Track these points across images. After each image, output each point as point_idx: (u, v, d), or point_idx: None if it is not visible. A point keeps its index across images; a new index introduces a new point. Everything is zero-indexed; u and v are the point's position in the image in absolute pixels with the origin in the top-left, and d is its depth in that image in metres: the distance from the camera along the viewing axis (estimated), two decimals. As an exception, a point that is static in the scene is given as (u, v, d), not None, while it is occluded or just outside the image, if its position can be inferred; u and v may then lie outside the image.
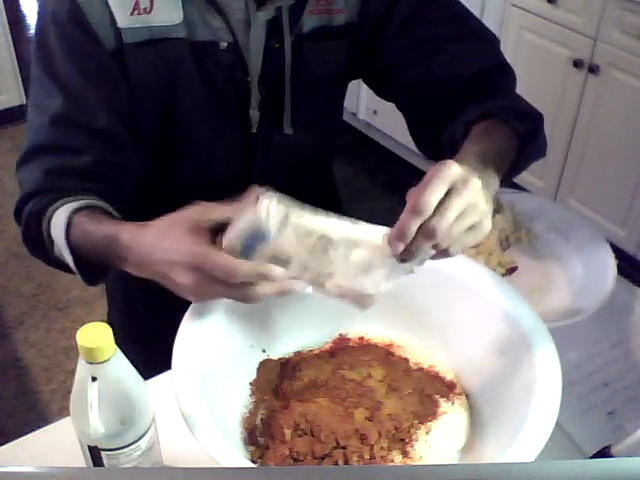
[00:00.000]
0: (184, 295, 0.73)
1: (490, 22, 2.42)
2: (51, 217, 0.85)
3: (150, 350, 0.77)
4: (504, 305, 0.83)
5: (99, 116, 0.88)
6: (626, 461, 0.45)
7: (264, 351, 0.90)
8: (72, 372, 0.67)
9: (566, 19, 2.24)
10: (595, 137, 2.27)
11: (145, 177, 0.98)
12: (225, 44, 0.89)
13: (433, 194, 0.66)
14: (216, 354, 0.80)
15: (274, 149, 0.99)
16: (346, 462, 0.75)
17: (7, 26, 3.04)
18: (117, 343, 0.65)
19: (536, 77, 2.39)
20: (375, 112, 2.85)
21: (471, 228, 0.69)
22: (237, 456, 0.67)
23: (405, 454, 0.77)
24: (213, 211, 0.72)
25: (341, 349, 0.91)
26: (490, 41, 0.98)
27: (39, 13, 0.89)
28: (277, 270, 0.68)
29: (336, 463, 0.75)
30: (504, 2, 2.40)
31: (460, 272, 0.87)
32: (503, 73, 0.97)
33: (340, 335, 0.94)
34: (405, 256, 0.69)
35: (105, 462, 0.69)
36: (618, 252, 1.10)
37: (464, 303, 0.87)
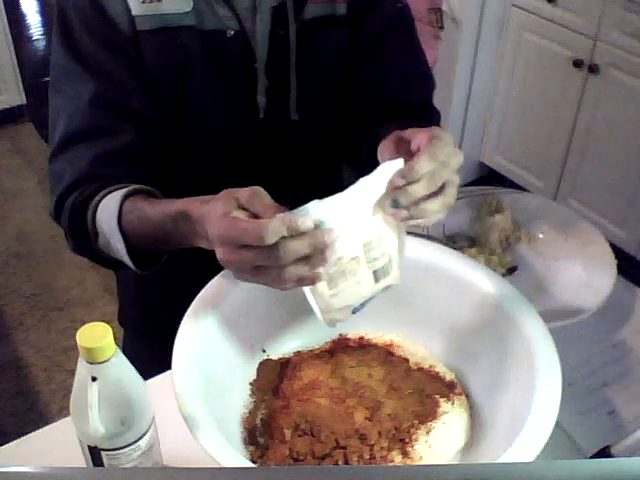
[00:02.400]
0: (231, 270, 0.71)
1: (490, 22, 2.43)
2: (97, 207, 0.84)
3: (164, 348, 0.77)
4: (504, 305, 0.83)
5: (133, 96, 0.90)
6: (626, 461, 0.45)
7: (264, 351, 0.90)
8: (72, 372, 0.67)
9: (566, 19, 2.24)
10: (595, 137, 2.28)
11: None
12: (232, 32, 0.91)
13: (437, 151, 0.72)
14: (216, 354, 0.80)
15: (281, 135, 1.00)
16: (346, 462, 0.75)
17: (7, 26, 3.04)
18: (129, 342, 0.66)
19: (536, 77, 2.40)
20: (375, 112, 2.85)
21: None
22: (237, 456, 0.67)
23: (405, 454, 0.77)
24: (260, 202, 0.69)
25: (341, 349, 0.91)
26: (429, 84, 1.07)
27: (58, 2, 0.90)
28: (304, 219, 0.65)
29: (336, 463, 0.75)
30: (504, 2, 2.40)
31: (460, 272, 0.87)
32: (431, 112, 1.07)
33: (340, 335, 0.94)
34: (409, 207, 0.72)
35: (105, 462, 0.69)
36: (618, 252, 1.10)
37: (464, 303, 0.87)
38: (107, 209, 0.82)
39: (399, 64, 1.02)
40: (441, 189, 0.72)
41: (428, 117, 1.03)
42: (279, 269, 0.67)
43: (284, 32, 0.93)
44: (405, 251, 0.80)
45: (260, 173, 1.01)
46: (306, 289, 0.74)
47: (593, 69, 2.19)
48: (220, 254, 0.69)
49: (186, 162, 1.00)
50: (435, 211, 0.73)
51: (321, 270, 0.69)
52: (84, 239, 0.86)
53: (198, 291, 0.83)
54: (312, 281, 0.70)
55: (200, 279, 0.84)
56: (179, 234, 0.77)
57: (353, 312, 0.78)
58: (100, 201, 0.84)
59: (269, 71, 0.95)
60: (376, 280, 0.78)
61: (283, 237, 0.65)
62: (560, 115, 2.35)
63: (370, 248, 0.75)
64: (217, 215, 0.68)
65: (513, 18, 2.40)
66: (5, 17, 3.02)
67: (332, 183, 1.17)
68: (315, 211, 0.67)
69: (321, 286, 0.74)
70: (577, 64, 2.23)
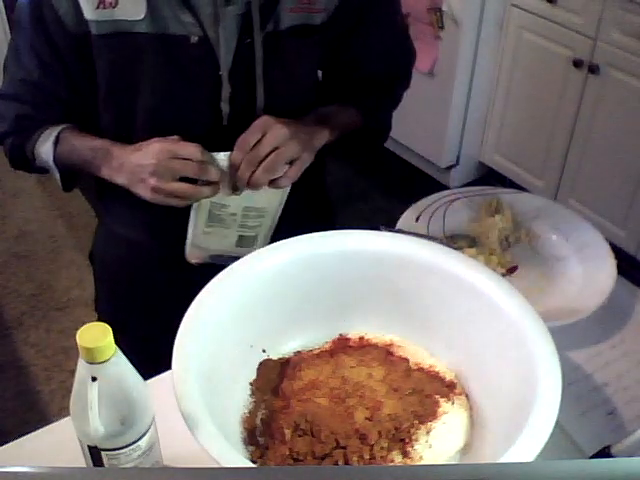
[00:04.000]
0: (144, 185, 0.89)
1: (490, 22, 2.42)
2: (38, 138, 1.00)
3: (139, 347, 0.81)
4: (504, 305, 0.83)
5: (61, 89, 0.99)
6: (626, 461, 0.45)
7: (264, 351, 0.90)
8: (72, 372, 0.67)
9: (566, 19, 2.24)
10: (595, 137, 2.27)
11: None
12: (196, 38, 0.92)
13: (249, 136, 0.90)
14: (216, 354, 0.80)
15: None
16: (346, 462, 0.75)
17: (7, 26, 3.04)
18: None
19: (536, 77, 2.39)
20: (375, 112, 2.85)
21: (291, 162, 0.92)
22: (237, 456, 0.67)
23: (405, 454, 0.77)
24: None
25: (341, 349, 0.91)
26: (408, 51, 1.15)
27: None
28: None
29: (336, 463, 0.75)
30: (504, 2, 2.40)
31: (460, 272, 0.87)
32: (399, 84, 1.16)
33: (340, 335, 0.94)
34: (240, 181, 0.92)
35: (105, 462, 0.69)
36: (618, 252, 1.10)
37: (464, 303, 0.87)
38: (46, 138, 0.99)
39: (377, 37, 1.06)
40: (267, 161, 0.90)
41: (395, 89, 1.16)
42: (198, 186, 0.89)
43: (250, 40, 0.94)
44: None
45: None
46: (193, 213, 0.94)
47: (593, 69, 2.19)
48: (151, 159, 0.88)
49: None
50: (262, 180, 0.91)
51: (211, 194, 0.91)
52: (21, 161, 1.05)
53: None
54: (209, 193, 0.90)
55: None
56: (94, 164, 0.97)
57: (210, 258, 0.98)
58: (41, 134, 1.00)
59: (234, 79, 0.95)
60: (237, 244, 0.97)
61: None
62: (560, 115, 2.35)
63: (248, 215, 0.95)
64: (155, 147, 0.89)
65: (513, 18, 2.40)
66: (5, 17, 3.02)
67: (314, 197, 1.18)
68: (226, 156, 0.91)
69: (202, 217, 0.94)
70: (577, 64, 2.23)
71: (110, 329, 0.65)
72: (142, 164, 0.90)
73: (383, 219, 1.09)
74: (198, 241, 0.97)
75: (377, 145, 1.20)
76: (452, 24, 2.41)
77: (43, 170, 1.05)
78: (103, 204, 1.15)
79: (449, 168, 2.72)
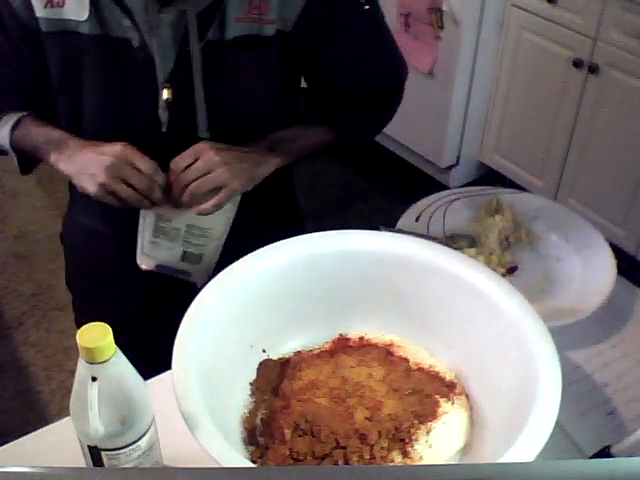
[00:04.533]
0: (93, 179, 0.91)
1: (490, 22, 2.42)
2: None
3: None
4: (504, 305, 0.83)
5: (21, 79, 1.01)
6: (626, 461, 0.45)
7: (264, 351, 0.90)
8: (72, 372, 0.67)
9: (566, 19, 2.24)
10: (595, 137, 2.27)
11: None
12: (137, 42, 0.92)
13: (181, 159, 0.94)
14: (216, 354, 0.80)
15: None
16: (346, 462, 0.75)
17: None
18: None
19: (536, 77, 2.39)
20: (375, 112, 2.85)
21: (215, 189, 0.94)
22: (237, 456, 0.67)
23: (405, 454, 0.77)
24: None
25: (341, 349, 0.91)
26: (392, 66, 1.13)
27: None
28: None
29: (336, 463, 0.75)
30: (504, 2, 2.40)
31: (460, 272, 0.87)
32: (385, 99, 1.14)
33: (340, 335, 0.94)
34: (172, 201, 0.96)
35: (105, 462, 0.69)
36: (618, 252, 1.10)
37: (464, 303, 0.87)
38: (5, 123, 1.01)
39: (347, 53, 1.05)
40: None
41: (379, 105, 1.14)
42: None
43: (189, 49, 0.93)
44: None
45: None
46: (141, 221, 1.00)
47: (593, 69, 2.19)
48: (107, 157, 0.91)
49: None
50: (188, 204, 0.95)
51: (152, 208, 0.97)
52: None
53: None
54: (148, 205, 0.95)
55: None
56: (43, 149, 0.99)
57: (156, 268, 1.03)
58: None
59: (174, 86, 0.95)
60: (182, 259, 1.02)
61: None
62: (560, 115, 2.35)
63: (191, 232, 1.00)
64: (117, 149, 0.92)
65: (513, 18, 2.40)
66: None
67: (281, 209, 1.20)
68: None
69: (149, 228, 1.00)
70: (577, 64, 2.23)
71: (110, 329, 0.65)
72: (98, 159, 0.92)
73: (383, 219, 1.09)
74: (146, 249, 1.02)
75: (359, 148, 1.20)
76: (452, 24, 2.41)
77: (2, 152, 1.06)
78: (71, 192, 1.17)
79: (449, 168, 2.72)
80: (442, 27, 2.44)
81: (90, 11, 0.91)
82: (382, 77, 1.11)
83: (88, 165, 0.93)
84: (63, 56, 0.95)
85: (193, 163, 0.93)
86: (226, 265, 0.88)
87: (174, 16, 0.91)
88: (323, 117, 1.10)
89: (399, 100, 1.16)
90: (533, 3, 2.31)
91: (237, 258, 0.88)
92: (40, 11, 0.92)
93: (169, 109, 0.96)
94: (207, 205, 0.95)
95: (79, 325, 0.65)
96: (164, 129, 0.98)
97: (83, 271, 1.23)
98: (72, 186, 1.14)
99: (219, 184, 0.94)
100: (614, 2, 2.08)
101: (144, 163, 0.92)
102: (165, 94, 0.95)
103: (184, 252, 1.02)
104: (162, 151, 0.97)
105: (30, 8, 0.92)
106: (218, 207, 0.95)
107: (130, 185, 0.92)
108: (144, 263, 1.04)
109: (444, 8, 2.39)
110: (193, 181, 0.93)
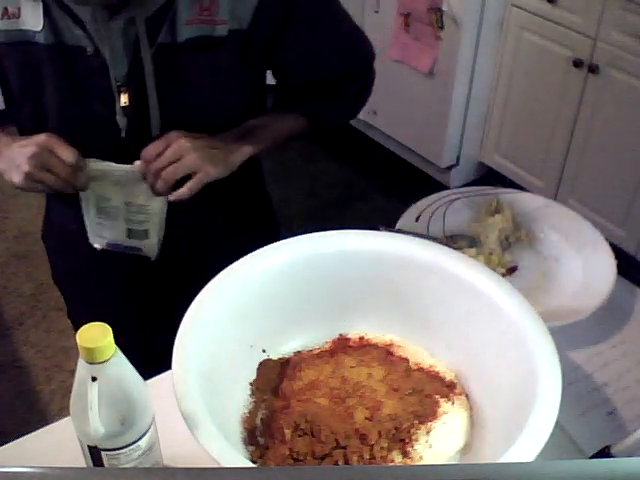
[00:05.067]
0: (19, 171, 0.93)
1: (490, 22, 2.42)
2: None
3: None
4: (504, 305, 0.83)
5: None
6: (626, 461, 0.45)
7: (264, 351, 0.90)
8: (72, 372, 0.67)
9: (566, 19, 2.24)
10: (595, 137, 2.27)
11: None
12: (91, 50, 0.93)
13: (152, 148, 0.96)
14: (216, 354, 0.80)
15: None
16: (346, 462, 0.75)
17: None
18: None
19: (536, 77, 2.39)
20: (375, 112, 2.85)
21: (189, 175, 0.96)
22: (237, 456, 0.67)
23: (405, 454, 0.77)
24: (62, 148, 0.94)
25: (341, 349, 0.91)
26: (356, 50, 1.12)
27: None
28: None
29: (336, 463, 0.75)
30: (504, 2, 2.40)
31: (460, 272, 0.87)
32: (355, 82, 1.13)
33: (340, 335, 0.94)
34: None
35: (105, 462, 0.69)
36: (618, 252, 1.10)
37: (464, 303, 0.87)
38: None
39: (310, 42, 1.04)
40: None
41: (347, 88, 1.13)
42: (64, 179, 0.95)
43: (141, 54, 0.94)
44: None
45: None
46: (84, 204, 1.03)
47: (593, 69, 2.19)
48: (30, 148, 0.93)
49: None
50: (162, 190, 0.97)
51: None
52: None
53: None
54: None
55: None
56: None
57: (108, 246, 1.07)
58: None
59: (128, 92, 0.96)
60: (129, 236, 1.06)
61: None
62: (560, 115, 2.35)
63: (130, 210, 1.03)
64: (39, 139, 0.93)
65: (513, 18, 2.40)
66: None
67: (252, 212, 1.20)
68: (95, 163, 0.98)
69: (92, 209, 1.04)
70: (577, 64, 2.23)
71: (110, 329, 0.65)
72: (22, 151, 0.94)
73: (383, 219, 1.09)
74: (94, 230, 1.07)
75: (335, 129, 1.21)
76: (452, 24, 2.41)
77: None
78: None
79: (449, 168, 2.72)
80: (442, 27, 2.44)
81: (44, 21, 0.93)
82: (348, 63, 1.11)
83: (14, 158, 0.95)
84: (22, 65, 0.96)
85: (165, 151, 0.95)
86: (201, 269, 0.88)
87: (124, 23, 0.92)
88: (295, 104, 1.12)
89: (371, 82, 1.16)
90: (533, 3, 2.31)
91: (213, 261, 0.88)
92: None
93: (126, 114, 0.97)
94: (182, 190, 0.96)
95: (75, 325, 0.65)
96: (123, 134, 0.98)
97: (65, 270, 1.25)
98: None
99: (192, 170, 0.95)
100: (614, 2, 2.08)
101: (65, 151, 0.94)
102: (122, 99, 0.96)
103: (128, 230, 1.05)
104: (124, 156, 0.98)
105: None
106: (193, 192, 0.97)
107: (55, 173, 0.94)
108: (96, 242, 1.08)
109: (444, 8, 2.39)
110: (165, 168, 0.95)
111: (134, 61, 0.95)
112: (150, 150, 0.95)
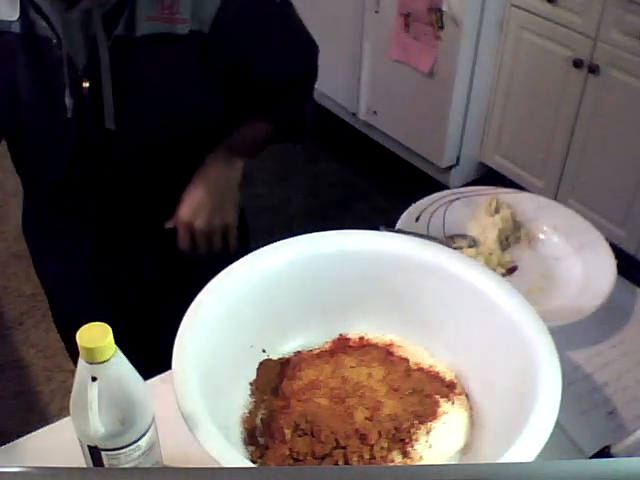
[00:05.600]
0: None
1: (490, 22, 2.42)
2: None
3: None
4: (504, 305, 0.83)
5: None
6: (626, 461, 0.45)
7: (264, 351, 0.90)
8: (72, 372, 0.67)
9: (566, 19, 2.24)
10: (595, 137, 2.27)
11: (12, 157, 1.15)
12: (55, 40, 0.96)
13: (183, 243, 1.04)
14: (216, 354, 0.80)
15: (99, 142, 1.03)
16: (346, 462, 0.75)
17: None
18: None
19: (536, 77, 2.39)
20: (375, 112, 2.85)
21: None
22: (237, 456, 0.67)
23: (405, 454, 0.77)
24: None
25: (341, 349, 0.91)
26: (302, 49, 1.16)
27: None
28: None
29: (336, 463, 0.75)
30: (504, 2, 2.40)
31: (460, 272, 0.87)
32: (304, 80, 1.18)
33: (340, 335, 0.94)
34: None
35: (105, 462, 0.69)
36: (618, 252, 1.10)
37: (464, 303, 0.87)
38: None
39: (265, 43, 1.08)
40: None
41: (298, 88, 1.18)
42: None
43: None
44: None
45: (92, 188, 1.08)
46: None
47: (593, 69, 2.19)
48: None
49: (22, 154, 1.11)
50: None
51: None
52: None
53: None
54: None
55: None
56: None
57: None
58: None
59: (86, 80, 0.98)
60: None
61: None
62: (560, 115, 2.35)
63: None
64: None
65: (513, 18, 2.40)
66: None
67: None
68: None
69: None
70: (577, 64, 2.23)
71: (110, 329, 0.65)
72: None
73: (383, 219, 1.09)
74: None
75: (302, 134, 1.23)
76: (452, 24, 2.41)
77: None
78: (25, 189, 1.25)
79: (449, 168, 2.72)
80: (442, 27, 2.43)
81: (20, 12, 0.95)
82: (301, 62, 1.16)
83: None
84: None
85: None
86: (200, 269, 0.89)
87: (81, 15, 0.95)
88: (259, 112, 1.15)
89: (316, 76, 1.20)
90: (533, 3, 2.31)
91: (213, 261, 0.90)
92: None
93: (80, 99, 0.99)
94: (230, 249, 1.06)
95: (68, 331, 0.66)
96: (69, 114, 1.00)
97: (55, 273, 1.27)
98: (25, 184, 1.24)
99: (223, 228, 1.05)
100: (614, 2, 2.08)
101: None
102: (84, 86, 0.99)
103: None
104: (72, 134, 1.02)
105: None
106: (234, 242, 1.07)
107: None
108: None
109: (444, 8, 2.39)
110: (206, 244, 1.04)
111: (92, 53, 0.97)
112: (184, 244, 1.02)
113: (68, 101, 0.99)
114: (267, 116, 1.14)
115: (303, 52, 1.16)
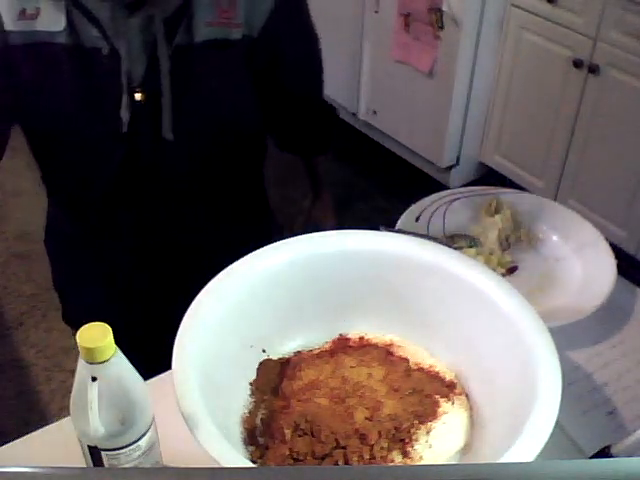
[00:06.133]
0: None
1: (490, 22, 2.42)
2: None
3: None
4: (504, 305, 0.83)
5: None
6: (626, 461, 0.45)
7: (264, 351, 0.90)
8: (72, 372, 0.67)
9: (566, 19, 2.24)
10: (595, 137, 2.27)
11: (41, 169, 1.09)
12: (107, 50, 0.93)
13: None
14: (216, 354, 0.80)
15: (163, 155, 1.01)
16: (346, 462, 0.75)
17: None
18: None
19: (536, 77, 2.39)
20: (375, 112, 2.85)
21: None
22: (237, 456, 0.67)
23: (405, 454, 0.77)
24: None
25: (341, 349, 0.91)
26: (319, 67, 1.19)
27: None
28: None
29: (336, 463, 0.75)
30: (504, 2, 2.40)
31: (460, 272, 0.87)
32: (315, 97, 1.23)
33: (340, 335, 0.94)
34: None
35: (105, 462, 0.69)
36: (618, 252, 1.10)
37: (464, 303, 0.87)
38: None
39: (294, 54, 1.09)
40: None
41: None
42: None
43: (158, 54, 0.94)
44: None
45: (144, 199, 1.06)
46: None
47: (593, 69, 2.19)
48: None
49: (61, 164, 1.05)
50: None
51: None
52: None
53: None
54: None
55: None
56: None
57: None
58: None
59: (144, 90, 0.96)
60: None
61: None
62: (560, 115, 2.35)
63: None
64: None
65: (513, 18, 2.40)
66: None
67: (250, 213, 1.22)
68: None
69: None
70: (577, 64, 2.23)
71: (110, 329, 0.65)
72: None
73: (383, 219, 1.09)
74: None
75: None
76: (452, 24, 2.41)
77: None
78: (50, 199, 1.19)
79: (449, 168, 2.72)
80: (442, 27, 2.43)
81: (65, 22, 0.92)
82: (317, 78, 1.20)
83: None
84: (38, 67, 0.95)
85: None
86: (200, 269, 0.88)
87: (142, 22, 0.93)
88: (314, 147, 1.28)
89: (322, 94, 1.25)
90: (533, 3, 2.31)
91: (213, 261, 0.88)
92: (11, 24, 0.92)
93: (137, 111, 0.96)
94: None
95: (74, 328, 0.65)
96: (125, 129, 0.97)
97: (65, 274, 1.26)
98: (50, 194, 1.17)
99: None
100: (614, 2, 2.08)
101: None
102: (138, 97, 0.96)
103: None
104: (130, 155, 0.99)
105: (0, 22, 0.92)
106: None
107: None
108: None
109: (444, 8, 2.39)
110: None
111: (151, 61, 0.94)
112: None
113: (124, 114, 0.96)
114: (324, 150, 1.28)
115: (319, 70, 1.18)
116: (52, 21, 0.92)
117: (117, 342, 0.66)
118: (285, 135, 1.24)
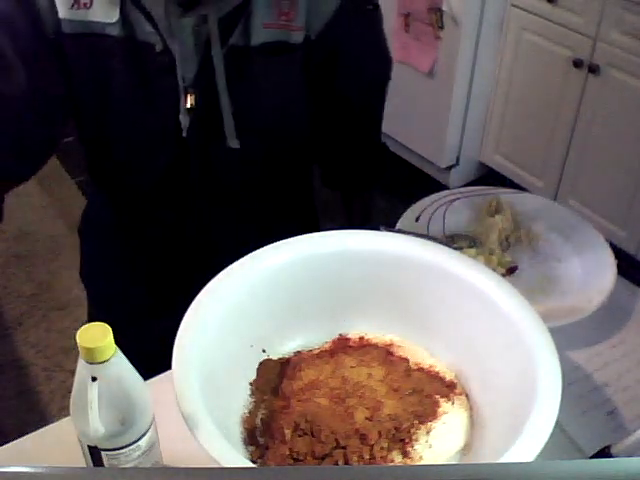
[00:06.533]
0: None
1: (490, 22, 2.43)
2: None
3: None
4: (504, 305, 0.83)
5: (27, 94, 0.92)
6: (626, 461, 0.45)
7: (264, 351, 0.90)
8: (72, 372, 0.67)
9: (566, 19, 2.24)
10: (595, 137, 2.28)
11: (88, 159, 1.07)
12: (160, 47, 0.91)
13: None
14: (216, 354, 0.80)
15: (219, 159, 1.00)
16: (346, 462, 0.75)
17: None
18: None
19: (536, 77, 2.40)
20: (375, 112, 2.85)
21: None
22: (237, 456, 0.67)
23: (405, 454, 0.77)
24: None
25: (341, 349, 0.91)
26: (382, 72, 1.14)
27: None
28: None
29: (336, 463, 0.75)
30: (504, 2, 2.40)
31: (460, 272, 0.87)
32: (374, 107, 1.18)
33: (340, 335, 0.94)
34: None
35: (105, 462, 0.69)
36: (618, 252, 1.10)
37: (464, 303, 0.87)
38: None
39: (358, 64, 1.06)
40: None
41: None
42: None
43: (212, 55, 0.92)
44: None
45: (202, 204, 1.05)
46: None
47: (593, 69, 2.19)
48: None
49: (114, 160, 1.03)
50: None
51: None
52: None
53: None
54: None
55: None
56: None
57: None
58: None
59: (195, 92, 0.94)
60: None
61: None
62: (560, 115, 2.35)
63: None
64: None
65: (513, 18, 2.40)
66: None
67: (299, 214, 1.20)
68: None
69: None
70: (577, 64, 2.23)
71: (110, 329, 0.65)
72: None
73: (383, 219, 1.09)
74: None
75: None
76: (452, 24, 2.41)
77: None
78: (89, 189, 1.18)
79: (449, 168, 2.72)
80: (442, 27, 2.44)
81: (119, 14, 0.90)
82: (381, 98, 1.16)
83: None
84: (89, 58, 0.93)
85: None
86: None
87: (196, 21, 0.90)
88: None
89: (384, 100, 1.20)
90: (533, 3, 2.31)
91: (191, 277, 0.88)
92: (64, 12, 0.90)
93: (192, 114, 0.95)
94: None
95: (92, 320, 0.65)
96: (184, 134, 0.96)
97: (96, 264, 1.23)
98: (89, 184, 1.16)
99: None
100: (614, 2, 2.09)
101: None
102: (189, 100, 0.94)
103: None
104: (182, 156, 0.97)
105: (54, 9, 0.90)
106: None
107: None
108: None
109: (444, 8, 2.40)
110: None
111: (204, 61, 0.93)
112: None
113: (184, 119, 0.94)
114: (369, 187, 1.26)
115: (381, 93, 1.15)
116: (105, 12, 0.90)
117: (117, 342, 0.66)
118: (333, 166, 1.21)
